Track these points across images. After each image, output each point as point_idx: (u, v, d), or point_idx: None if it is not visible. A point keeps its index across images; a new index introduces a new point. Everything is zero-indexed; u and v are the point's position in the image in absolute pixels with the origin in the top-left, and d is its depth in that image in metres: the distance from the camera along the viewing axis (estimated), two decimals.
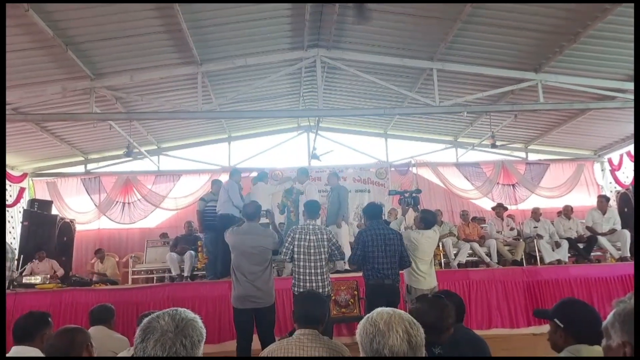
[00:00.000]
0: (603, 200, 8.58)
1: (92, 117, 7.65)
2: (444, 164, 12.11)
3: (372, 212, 5.00)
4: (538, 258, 7.98)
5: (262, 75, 8.22)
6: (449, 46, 7.20)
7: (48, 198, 10.52)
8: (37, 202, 9.71)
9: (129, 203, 11.19)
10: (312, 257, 4.54)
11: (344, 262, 7.02)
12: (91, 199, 11.07)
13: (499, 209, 8.97)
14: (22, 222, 9.27)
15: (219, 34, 6.88)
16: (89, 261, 10.28)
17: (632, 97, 7.46)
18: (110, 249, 10.26)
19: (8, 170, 10.10)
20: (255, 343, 4.47)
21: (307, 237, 4.58)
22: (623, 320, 1.31)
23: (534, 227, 8.42)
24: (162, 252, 8.68)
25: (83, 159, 11.25)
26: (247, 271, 4.43)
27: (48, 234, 9.19)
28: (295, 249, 4.56)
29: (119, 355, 3.28)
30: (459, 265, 7.94)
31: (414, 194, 5.70)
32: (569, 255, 8.03)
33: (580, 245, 8.15)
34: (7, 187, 10.00)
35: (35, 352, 2.73)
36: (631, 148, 10.45)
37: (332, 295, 5.47)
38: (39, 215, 9.34)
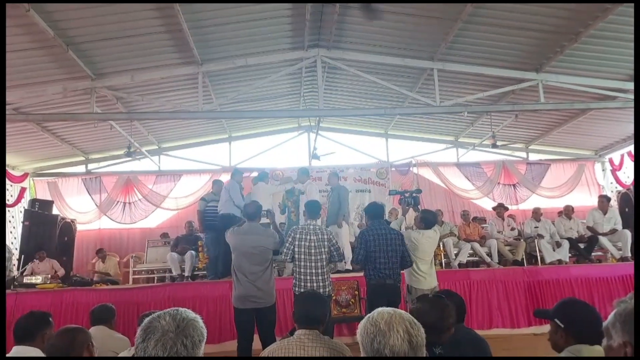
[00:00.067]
0: (604, 200, 8.58)
1: (93, 117, 7.65)
2: (445, 164, 12.10)
3: (374, 211, 5.00)
4: (539, 258, 7.98)
5: (263, 75, 8.22)
6: (449, 46, 7.19)
7: (49, 198, 10.53)
8: (38, 202, 9.72)
9: (129, 203, 11.19)
10: (313, 257, 4.55)
11: (345, 262, 7.03)
12: (92, 198, 11.07)
13: (500, 209, 8.97)
14: (23, 222, 9.27)
15: (220, 34, 6.88)
16: (90, 261, 10.31)
17: (633, 97, 7.45)
18: (110, 249, 10.26)
19: (9, 170, 10.11)
20: (256, 343, 4.47)
21: (308, 237, 4.58)
22: (624, 320, 1.31)
23: (535, 227, 8.42)
24: (162, 252, 8.69)
25: (84, 158, 11.26)
26: (248, 271, 4.44)
27: (49, 233, 9.20)
28: (296, 249, 4.57)
29: (120, 355, 3.28)
30: (460, 265, 7.94)
31: (414, 194, 5.70)
32: (570, 255, 8.03)
33: (581, 245, 8.15)
34: (8, 187, 10.01)
35: (36, 352, 2.73)
36: (632, 148, 10.44)
37: (332, 295, 5.47)
38: (40, 215, 9.35)
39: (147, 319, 1.49)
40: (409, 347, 1.57)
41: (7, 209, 9.86)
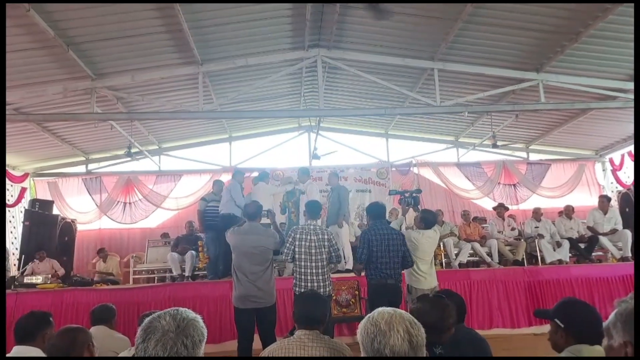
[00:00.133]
0: (604, 200, 8.58)
1: (93, 117, 7.65)
2: (445, 164, 12.09)
3: (376, 211, 5.00)
4: (539, 258, 7.98)
5: (263, 75, 8.22)
6: (450, 46, 7.19)
7: (49, 198, 10.53)
8: (39, 202, 9.72)
9: (130, 203, 11.19)
10: (313, 257, 4.55)
11: (345, 262, 7.04)
12: (92, 199, 11.07)
13: (500, 209, 8.97)
14: (23, 222, 9.28)
15: (220, 34, 6.89)
16: (90, 261, 10.32)
17: (633, 97, 7.44)
18: (111, 249, 10.26)
19: (9, 170, 10.11)
20: (257, 343, 4.47)
21: (308, 237, 4.59)
22: (625, 320, 1.31)
23: (535, 227, 8.42)
24: (163, 252, 8.69)
25: (84, 159, 11.26)
26: (248, 271, 4.44)
27: (49, 234, 9.20)
28: (296, 249, 4.57)
29: (120, 355, 3.28)
30: (460, 265, 7.94)
31: (414, 194, 5.70)
32: (570, 255, 8.03)
33: (582, 245, 8.15)
34: (9, 187, 10.02)
35: (37, 352, 2.73)
36: (632, 148, 10.43)
37: (333, 295, 5.47)
38: (40, 215, 9.36)
39: (147, 319, 1.49)
40: (409, 347, 1.57)
41: (7, 209, 9.87)
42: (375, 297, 4.62)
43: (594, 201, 10.24)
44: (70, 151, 10.49)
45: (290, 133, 12.43)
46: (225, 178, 10.88)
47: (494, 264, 7.85)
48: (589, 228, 8.43)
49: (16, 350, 2.77)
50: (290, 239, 4.62)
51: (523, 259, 8.01)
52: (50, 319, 2.97)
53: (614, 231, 8.10)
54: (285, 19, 6.93)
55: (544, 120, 10.19)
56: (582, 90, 7.90)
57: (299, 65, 8.02)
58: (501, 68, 7.73)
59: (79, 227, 10.53)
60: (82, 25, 5.96)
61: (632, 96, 7.56)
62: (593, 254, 8.11)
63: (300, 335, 2.61)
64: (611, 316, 1.37)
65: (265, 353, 2.64)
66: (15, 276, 7.70)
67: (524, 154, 12.43)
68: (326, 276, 4.61)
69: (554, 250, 7.94)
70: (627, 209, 9.31)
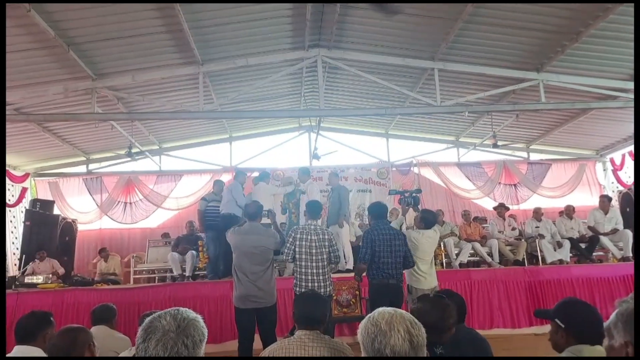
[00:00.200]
0: (605, 200, 8.58)
1: (94, 117, 7.66)
2: (446, 164, 12.09)
3: (378, 211, 4.99)
4: (540, 258, 7.98)
5: (264, 75, 8.22)
6: (450, 46, 7.19)
7: (50, 198, 10.54)
8: (39, 202, 9.73)
9: (130, 203, 11.20)
10: (314, 257, 4.55)
11: (345, 262, 7.04)
12: (93, 199, 11.08)
13: (501, 208, 8.97)
14: (24, 222, 9.29)
15: (220, 34, 6.89)
16: (91, 261, 10.32)
17: (633, 96, 7.44)
18: (111, 249, 10.26)
19: (10, 170, 10.12)
20: (257, 343, 4.47)
21: (309, 237, 4.59)
22: (626, 320, 1.31)
23: (536, 227, 8.41)
24: (163, 252, 8.70)
25: (85, 159, 11.27)
26: (249, 271, 4.44)
27: (50, 233, 9.21)
28: (297, 249, 4.57)
29: (121, 355, 3.28)
30: (461, 265, 7.95)
31: (414, 194, 5.70)
32: (571, 255, 8.02)
33: (582, 245, 8.15)
34: (10, 187, 10.03)
35: (38, 351, 2.73)
36: (633, 148, 10.42)
37: (333, 295, 5.47)
38: (41, 215, 9.37)
39: (148, 319, 1.49)
40: (409, 347, 1.57)
41: (8, 209, 9.88)
42: (376, 297, 4.62)
43: (594, 201, 10.25)
44: (71, 151, 10.50)
45: (290, 133, 12.43)
46: (226, 178, 10.90)
47: (494, 264, 7.85)
48: (589, 228, 8.42)
49: (17, 350, 2.77)
50: (290, 239, 4.62)
51: (524, 259, 8.01)
52: (51, 318, 2.97)
53: (614, 231, 8.10)
54: (286, 19, 6.93)
55: (545, 120, 10.18)
56: (583, 90, 7.89)
57: (299, 65, 8.02)
58: (502, 68, 7.72)
59: (80, 227, 10.54)
60: (82, 26, 5.96)
61: (632, 96, 7.55)
62: (594, 254, 8.10)
63: (300, 335, 2.61)
64: (612, 316, 1.37)
65: (266, 353, 2.64)
66: (16, 276, 7.71)
67: (524, 154, 12.42)
68: (327, 276, 4.61)
69: (555, 250, 7.94)
70: (627, 209, 9.30)
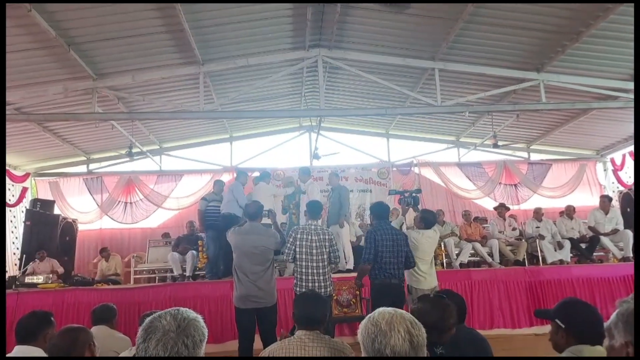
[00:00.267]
0: (605, 200, 8.58)
1: (94, 117, 7.66)
2: (446, 164, 12.09)
3: (381, 212, 4.98)
4: (540, 258, 7.98)
5: (264, 75, 8.23)
6: (450, 46, 7.19)
7: (50, 198, 10.55)
8: (40, 202, 9.74)
9: (131, 203, 11.20)
10: (314, 257, 4.55)
11: (346, 262, 7.04)
12: (93, 198, 11.08)
13: (501, 209, 8.96)
14: (24, 222, 9.30)
15: (221, 34, 6.89)
16: (91, 261, 10.33)
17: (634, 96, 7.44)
18: (112, 249, 10.25)
19: (10, 170, 10.13)
20: (257, 343, 4.47)
21: (309, 237, 4.59)
22: (626, 321, 1.31)
23: (536, 227, 8.41)
24: (164, 252, 8.70)
25: (85, 158, 11.27)
26: (249, 271, 4.44)
27: (50, 233, 9.21)
28: (297, 249, 4.57)
29: (121, 354, 3.29)
30: (461, 265, 7.94)
31: (414, 194, 5.70)
32: (571, 255, 8.02)
33: (583, 246, 8.14)
34: (10, 186, 10.03)
35: (38, 351, 2.73)
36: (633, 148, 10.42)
37: (334, 295, 5.47)
38: (42, 215, 9.37)
39: (148, 319, 1.49)
40: (410, 347, 1.57)
41: (9, 208, 9.88)
42: (378, 297, 4.61)
43: (595, 201, 10.25)
44: (72, 151, 10.50)
45: (291, 133, 12.43)
46: (226, 178, 10.92)
47: (495, 264, 7.85)
48: (590, 228, 8.42)
49: (17, 350, 2.77)
50: (291, 239, 4.62)
51: (524, 259, 8.00)
52: (52, 318, 2.97)
53: (615, 231, 8.09)
54: (286, 18, 6.93)
55: (545, 120, 10.18)
56: (583, 90, 7.89)
57: (300, 65, 8.02)
58: (502, 68, 7.72)
59: (80, 227, 10.54)
60: (83, 26, 5.97)
61: (633, 96, 7.55)
62: (594, 254, 8.10)
63: (300, 335, 2.61)
64: (612, 316, 1.37)
65: (266, 353, 2.64)
66: (16, 276, 7.72)
67: (525, 154, 12.42)
68: (327, 276, 4.61)
69: (555, 250, 7.94)
70: (628, 209, 9.30)
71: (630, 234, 7.75)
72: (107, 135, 9.65)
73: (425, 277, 4.96)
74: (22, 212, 9.94)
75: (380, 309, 1.71)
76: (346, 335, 6.24)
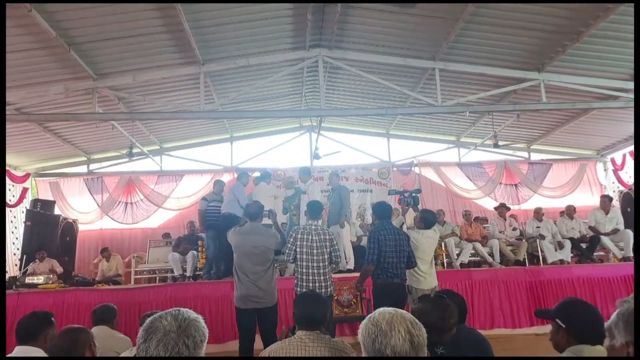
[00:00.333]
0: (606, 200, 8.58)
1: (95, 117, 7.66)
2: (447, 164, 12.08)
3: (383, 211, 4.97)
4: (540, 258, 7.98)
5: (264, 75, 8.23)
6: (451, 46, 7.19)
7: (51, 198, 10.55)
8: (40, 202, 9.74)
9: (131, 203, 11.20)
10: (315, 258, 4.55)
11: (347, 262, 7.04)
12: (94, 199, 11.08)
13: (502, 208, 8.97)
14: (25, 222, 9.30)
15: (221, 34, 6.89)
16: (92, 261, 10.33)
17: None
18: (112, 249, 10.26)
19: (11, 170, 10.13)
20: (258, 343, 4.48)
21: (310, 237, 4.58)
22: (627, 320, 1.31)
23: (537, 227, 8.41)
24: (164, 252, 8.71)
25: (86, 159, 11.28)
26: (250, 271, 4.44)
27: (51, 234, 9.22)
28: (298, 250, 4.56)
29: (122, 355, 3.29)
30: (462, 265, 7.95)
31: (413, 194, 5.69)
32: (572, 255, 8.03)
33: (583, 245, 8.15)
34: (10, 187, 10.04)
35: (39, 352, 2.73)
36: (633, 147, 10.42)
37: (334, 295, 5.47)
38: (42, 215, 9.37)
39: (148, 319, 1.49)
40: (410, 347, 1.57)
41: (9, 209, 9.88)
42: (381, 297, 4.61)
43: (595, 201, 10.25)
44: (72, 151, 10.51)
45: (291, 133, 12.43)
46: (227, 178, 10.93)
47: (495, 264, 7.85)
48: (590, 228, 8.42)
49: (18, 351, 2.77)
50: (291, 240, 4.61)
51: (524, 259, 8.01)
52: (52, 319, 2.98)
53: (615, 231, 8.09)
54: (286, 18, 6.93)
55: (546, 120, 10.18)
56: (584, 90, 7.89)
57: (300, 65, 8.02)
58: (502, 68, 7.72)
59: (81, 227, 10.54)
60: (83, 26, 5.97)
61: (633, 96, 7.55)
62: (595, 254, 8.10)
63: (301, 335, 2.61)
64: (613, 316, 1.37)
65: (266, 353, 2.64)
66: (17, 276, 7.72)
67: (525, 154, 12.41)
68: (328, 276, 4.61)
69: (556, 250, 7.94)
70: (628, 209, 9.30)
71: (630, 233, 7.74)
72: (108, 136, 9.65)
73: (425, 277, 4.96)
74: (23, 212, 9.94)
75: (381, 309, 1.71)
76: (347, 335, 6.24)
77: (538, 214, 8.69)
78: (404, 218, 5.76)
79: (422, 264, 4.97)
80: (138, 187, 11.24)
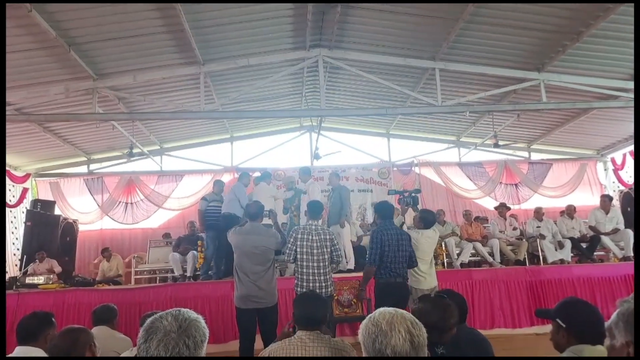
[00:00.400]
0: (606, 200, 8.58)
1: (95, 118, 7.66)
2: (447, 164, 12.08)
3: (385, 211, 4.97)
4: (541, 258, 7.98)
5: (265, 75, 8.23)
6: (451, 46, 7.19)
7: (51, 198, 10.55)
8: (40, 203, 9.75)
9: (131, 203, 11.20)
10: (315, 258, 4.55)
11: (347, 262, 7.04)
12: (94, 199, 11.08)
13: (502, 208, 8.96)
14: (25, 223, 9.30)
15: (221, 34, 6.89)
16: (92, 261, 10.33)
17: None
18: (113, 249, 10.27)
19: (11, 170, 10.13)
20: (258, 343, 4.48)
21: (310, 237, 4.58)
22: (627, 320, 1.31)
23: (537, 227, 8.41)
24: (164, 252, 8.72)
25: (86, 159, 11.28)
26: (250, 271, 4.44)
27: (51, 234, 9.22)
28: (298, 249, 4.56)
29: (122, 355, 3.29)
30: (462, 265, 7.95)
31: (413, 194, 5.69)
32: (572, 255, 8.03)
33: (583, 245, 8.14)
34: (10, 187, 10.04)
35: (39, 352, 2.73)
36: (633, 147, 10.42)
37: (334, 295, 5.47)
38: (42, 216, 9.38)
39: (149, 320, 1.49)
40: (410, 347, 1.57)
41: (9, 209, 9.88)
42: (383, 296, 4.61)
43: (595, 201, 10.25)
44: (72, 151, 10.51)
45: (291, 133, 12.43)
46: (227, 178, 10.94)
47: (495, 263, 7.85)
48: (590, 228, 8.42)
49: (18, 351, 2.77)
50: (291, 239, 4.61)
51: (525, 258, 8.00)
52: (53, 319, 2.98)
53: (615, 231, 8.09)
54: (287, 19, 6.93)
55: (546, 119, 10.18)
56: (584, 90, 7.89)
57: (301, 65, 8.02)
58: (503, 68, 7.72)
59: (81, 228, 10.55)
60: (83, 26, 5.97)
61: (633, 95, 7.55)
62: (595, 253, 8.09)
63: (301, 335, 2.61)
64: (613, 316, 1.37)
65: (266, 353, 2.64)
66: (17, 277, 7.72)
67: (525, 154, 12.41)
68: (328, 276, 4.61)
69: (556, 250, 7.93)
70: (628, 209, 9.29)
71: (630, 233, 7.74)
72: (108, 136, 9.65)
73: (425, 277, 4.97)
74: (23, 212, 9.94)
75: (381, 309, 1.71)
76: (347, 335, 6.23)
77: (538, 213, 8.69)
78: (404, 218, 5.76)
79: (422, 264, 4.97)
80: (138, 187, 11.24)
